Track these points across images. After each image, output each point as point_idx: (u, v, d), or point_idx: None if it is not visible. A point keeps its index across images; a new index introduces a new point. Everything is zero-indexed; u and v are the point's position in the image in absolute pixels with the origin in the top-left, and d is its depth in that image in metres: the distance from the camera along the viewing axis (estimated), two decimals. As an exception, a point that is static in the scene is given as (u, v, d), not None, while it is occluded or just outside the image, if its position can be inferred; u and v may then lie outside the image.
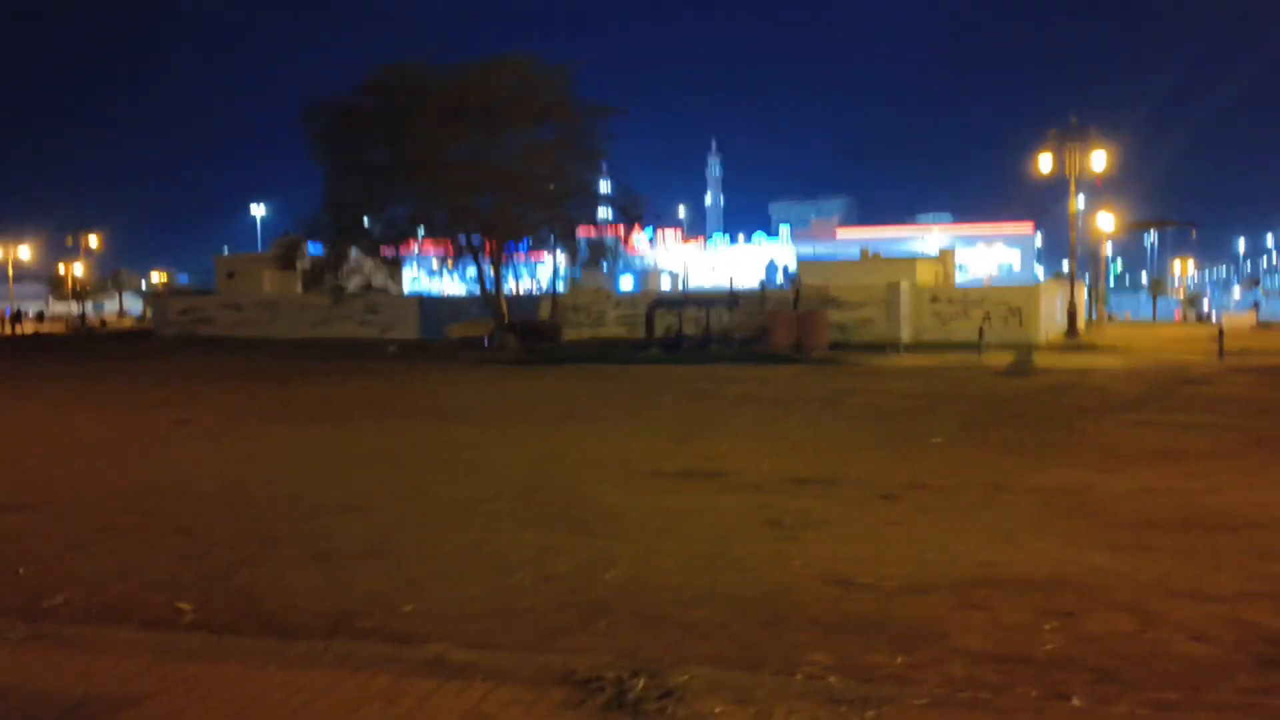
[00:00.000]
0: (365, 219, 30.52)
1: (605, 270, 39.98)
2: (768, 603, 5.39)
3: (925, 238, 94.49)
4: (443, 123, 26.88)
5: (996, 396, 16.40)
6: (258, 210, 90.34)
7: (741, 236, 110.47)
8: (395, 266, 33.30)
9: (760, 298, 34.15)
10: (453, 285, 36.32)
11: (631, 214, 35.63)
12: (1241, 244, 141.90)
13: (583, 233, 33.57)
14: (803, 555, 6.36)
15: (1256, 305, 73.37)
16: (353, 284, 31.19)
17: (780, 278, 70.19)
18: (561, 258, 35.48)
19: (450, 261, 34.89)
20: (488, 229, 29.78)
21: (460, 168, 28.06)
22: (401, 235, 31.12)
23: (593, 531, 7.05)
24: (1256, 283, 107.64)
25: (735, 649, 4.72)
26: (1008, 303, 32.61)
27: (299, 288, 38.20)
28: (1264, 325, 49.64)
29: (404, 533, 7.03)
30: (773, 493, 8.41)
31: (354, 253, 31.50)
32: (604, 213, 34.55)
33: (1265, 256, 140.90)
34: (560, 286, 37.68)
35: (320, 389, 18.87)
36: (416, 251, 34.95)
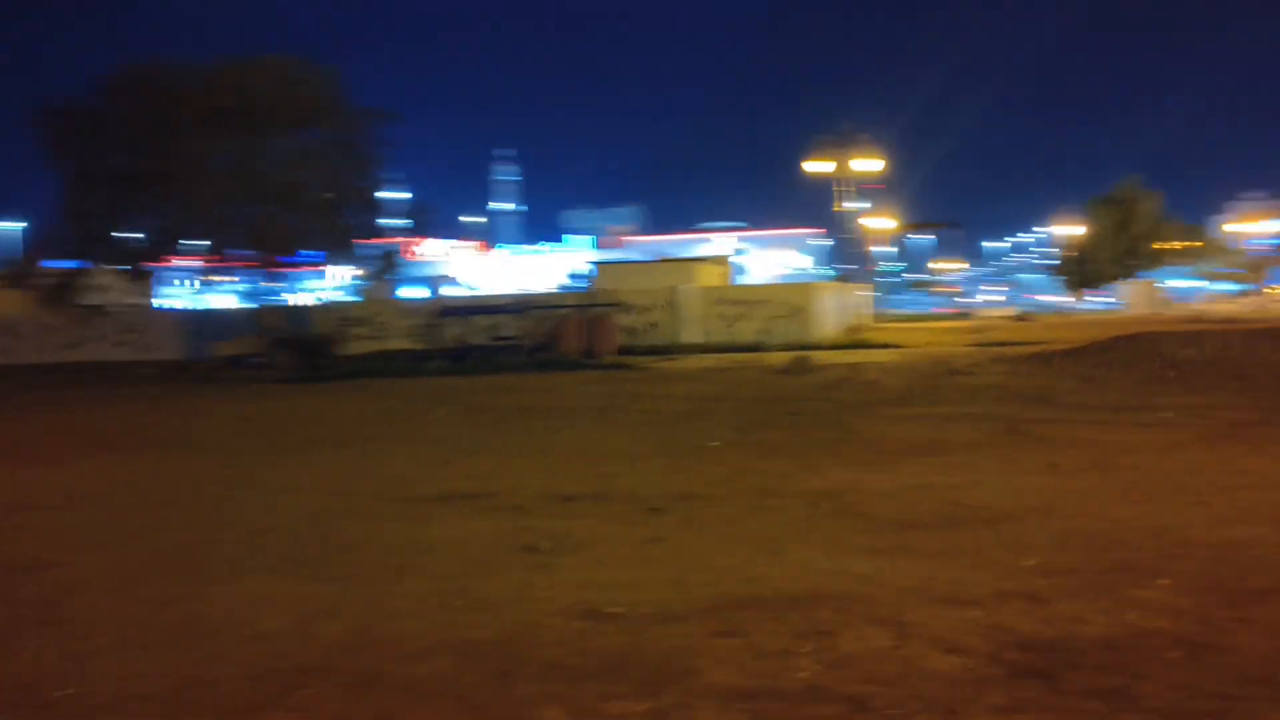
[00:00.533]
0: (113, 231, 27.94)
1: (393, 280, 38.57)
2: (505, 647, 4.78)
3: (715, 243, 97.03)
4: (197, 127, 24.86)
5: (775, 396, 16.51)
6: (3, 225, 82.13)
7: (540, 245, 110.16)
8: (148, 280, 30.68)
9: (550, 304, 33.68)
10: (226, 300, 33.94)
11: (420, 222, 34.46)
12: (1003, 244, 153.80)
13: (369, 242, 32.19)
14: (554, 585, 5.80)
15: (1014, 300, 79.41)
16: (98, 302, 28.45)
17: (575, 284, 70.12)
18: (345, 269, 33.91)
19: (218, 275, 32.54)
20: (254, 240, 27.85)
21: (218, 175, 26.07)
22: (156, 248, 28.65)
23: (323, 574, 6.24)
24: (1013, 280, 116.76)
25: (457, 710, 4.10)
26: (789, 302, 33.51)
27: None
28: (1020, 317, 53.57)
29: (92, 592, 5.98)
30: (535, 514, 7.83)
31: (102, 267, 28.79)
32: (391, 221, 33.30)
33: (1022, 254, 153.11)
34: (343, 298, 35.99)
35: (47, 422, 16.84)
36: (179, 264, 32.31)
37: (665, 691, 4.18)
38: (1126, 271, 69.38)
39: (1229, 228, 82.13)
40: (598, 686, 4.25)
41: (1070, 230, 76.49)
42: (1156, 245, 71.11)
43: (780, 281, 66.39)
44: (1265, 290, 69.50)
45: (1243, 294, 69.36)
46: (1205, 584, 5.38)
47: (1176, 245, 72.30)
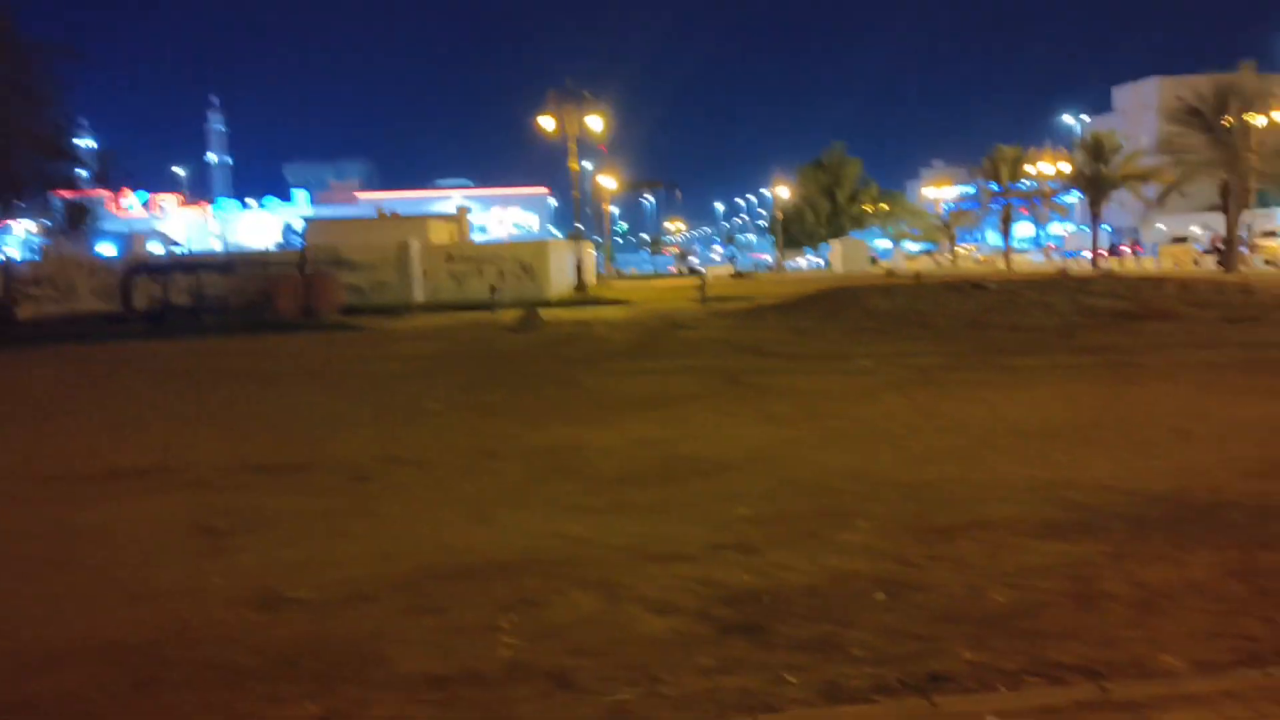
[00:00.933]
0: None
1: (85, 236, 34.73)
2: (158, 648, 4.07)
3: (446, 201, 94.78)
4: None
5: (502, 354, 16.11)
6: None
7: (258, 199, 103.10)
8: None
9: (264, 261, 31.42)
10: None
11: (112, 173, 31.15)
12: (721, 204, 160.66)
13: (58, 194, 28.72)
14: (231, 570, 5.10)
15: (733, 258, 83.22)
16: None
17: (293, 240, 66.33)
18: (24, 224, 30.06)
19: None
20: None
21: None
22: None
23: (-60, 575, 5.18)
24: (732, 239, 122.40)
25: (85, 733, 3.39)
26: (520, 260, 33.14)
27: None
28: (739, 275, 56.12)
29: None
30: (220, 488, 6.99)
31: None
32: (84, 172, 29.93)
33: (742, 215, 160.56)
34: (22, 255, 31.94)
35: None
36: None
37: (344, 686, 3.67)
38: (833, 231, 74.40)
39: (920, 191, 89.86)
40: (265, 687, 3.68)
41: (784, 193, 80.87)
42: (859, 207, 76.72)
43: (512, 239, 65.91)
44: (952, 249, 76.69)
45: (933, 252, 76.23)
46: (902, 524, 5.50)
47: (876, 207, 78.33)
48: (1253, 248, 45.64)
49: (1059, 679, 3.46)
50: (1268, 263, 40.93)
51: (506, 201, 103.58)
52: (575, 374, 13.19)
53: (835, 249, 69.39)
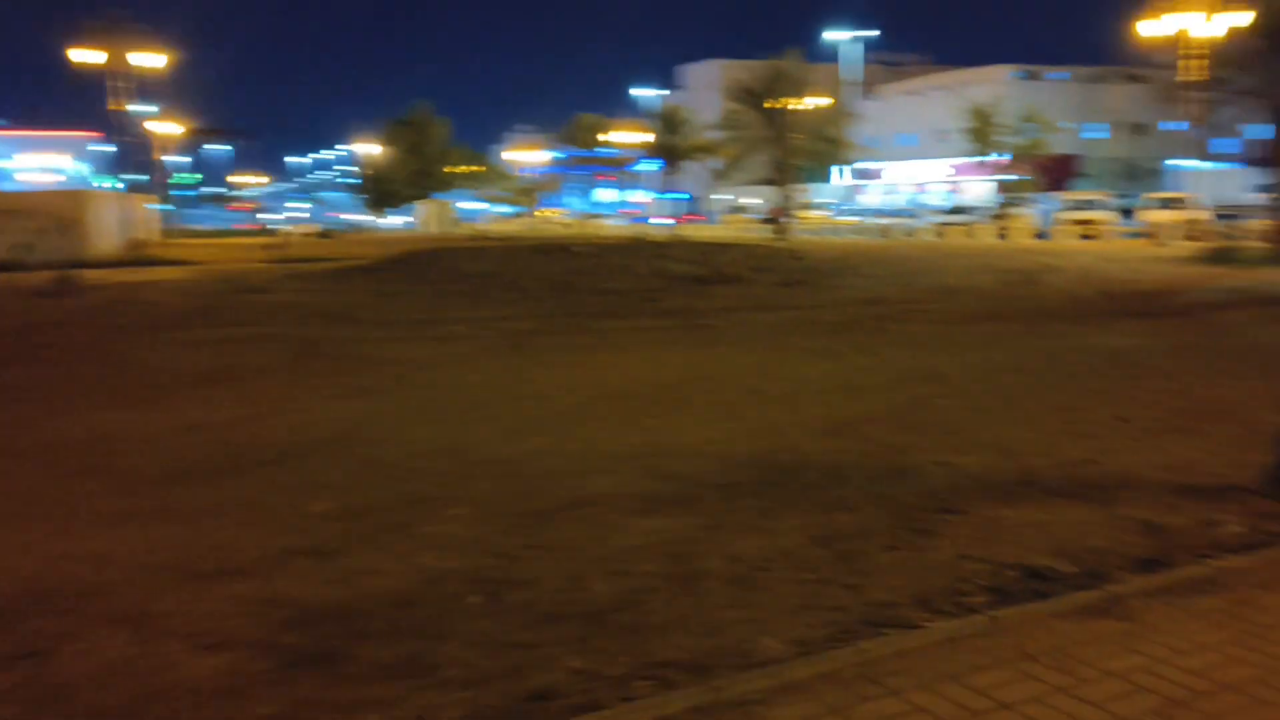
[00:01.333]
0: None
1: None
2: None
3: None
4: None
5: (25, 324, 13.60)
6: None
7: None
8: None
9: None
10: None
11: None
12: (306, 159, 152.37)
13: None
14: None
15: (318, 216, 79.22)
16: None
17: None
18: None
19: None
20: None
21: None
22: None
23: None
24: (317, 198, 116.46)
25: None
26: (58, 214, 28.62)
27: None
28: (323, 234, 53.27)
29: None
30: None
31: None
32: None
33: (325, 171, 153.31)
34: None
35: None
36: None
37: None
38: (421, 192, 73.11)
39: (507, 155, 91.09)
40: None
41: (370, 150, 78.12)
42: (447, 169, 76.06)
43: (47, 189, 57.15)
44: (537, 212, 78.67)
45: (519, 215, 77.74)
46: (499, 508, 5.08)
47: (464, 169, 78.16)
48: (796, 218, 51.38)
49: (669, 681, 3.19)
50: (810, 231, 46.18)
51: (44, 145, 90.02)
52: (118, 346, 11.40)
53: (423, 210, 68.27)
